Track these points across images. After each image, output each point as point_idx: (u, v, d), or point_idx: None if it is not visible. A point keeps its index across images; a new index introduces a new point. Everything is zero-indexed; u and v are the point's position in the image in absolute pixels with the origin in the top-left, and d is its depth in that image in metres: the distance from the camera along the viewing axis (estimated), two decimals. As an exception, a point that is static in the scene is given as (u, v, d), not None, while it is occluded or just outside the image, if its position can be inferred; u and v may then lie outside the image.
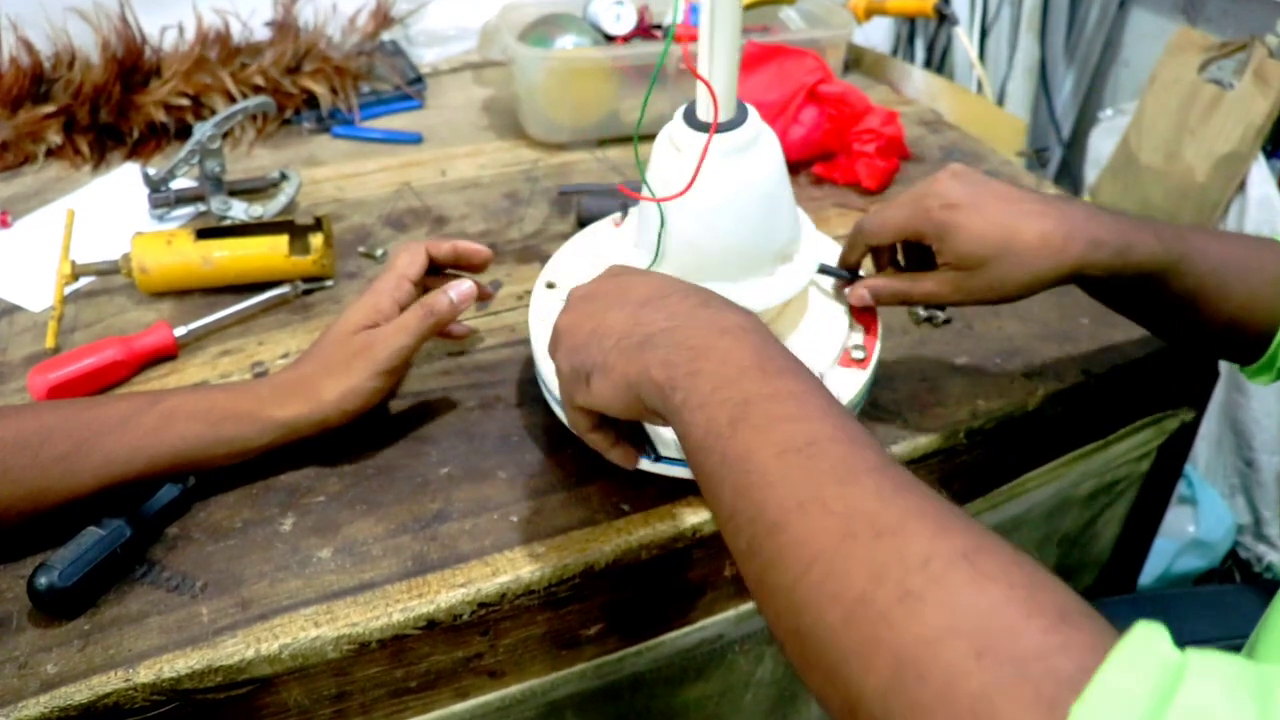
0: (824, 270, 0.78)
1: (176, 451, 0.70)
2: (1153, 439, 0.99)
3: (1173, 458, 1.05)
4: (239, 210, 1.03)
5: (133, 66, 1.21)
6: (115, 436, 0.68)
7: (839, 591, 0.39)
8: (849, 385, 0.74)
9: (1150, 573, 1.58)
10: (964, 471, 0.84)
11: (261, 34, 1.31)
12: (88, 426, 0.68)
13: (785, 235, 0.72)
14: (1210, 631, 0.90)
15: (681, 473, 0.71)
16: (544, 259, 0.99)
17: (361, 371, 0.73)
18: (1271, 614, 0.63)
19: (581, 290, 0.61)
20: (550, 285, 0.82)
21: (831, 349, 0.76)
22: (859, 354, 0.76)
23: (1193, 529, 1.64)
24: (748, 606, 0.80)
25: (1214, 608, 1.01)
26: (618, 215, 0.88)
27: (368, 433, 0.78)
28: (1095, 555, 1.12)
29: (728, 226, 0.69)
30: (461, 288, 0.78)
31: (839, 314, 0.79)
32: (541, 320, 0.77)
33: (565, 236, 1.03)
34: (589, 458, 0.76)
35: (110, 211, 1.08)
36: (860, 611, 0.38)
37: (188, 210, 1.06)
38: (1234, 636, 0.87)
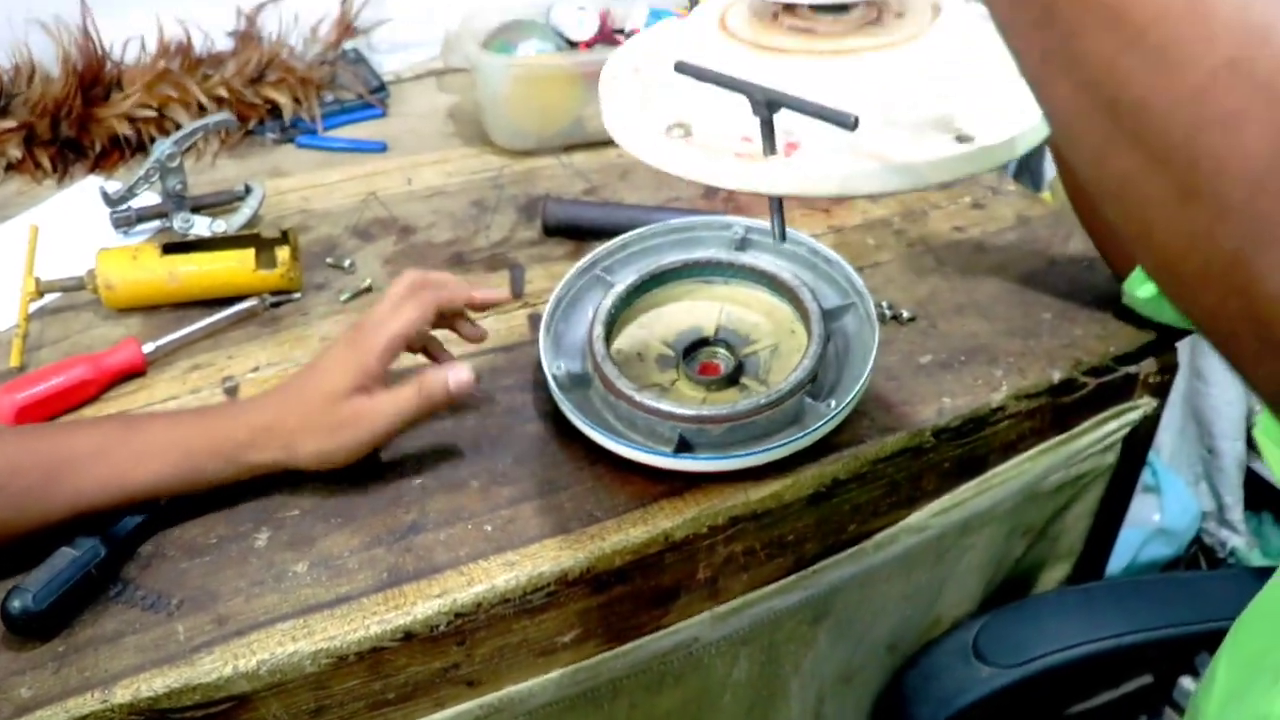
0: None
1: (148, 487, 0.70)
2: (1117, 430, 1.00)
3: (1137, 448, 1.06)
4: (202, 226, 1.03)
5: (94, 79, 1.20)
6: (87, 470, 0.68)
7: (1192, 57, 0.32)
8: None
9: (1117, 562, 1.60)
10: (932, 469, 0.85)
11: (224, 44, 1.30)
12: (58, 459, 0.68)
13: None
14: (1183, 615, 0.92)
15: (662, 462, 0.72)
16: (511, 266, 1.00)
17: (343, 440, 0.72)
18: (1260, 600, 0.64)
19: None
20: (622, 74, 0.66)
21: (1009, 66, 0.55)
22: None
23: (1158, 517, 1.67)
24: (723, 608, 0.81)
25: (1186, 592, 1.03)
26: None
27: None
28: (1067, 548, 1.13)
29: None
30: (461, 377, 0.74)
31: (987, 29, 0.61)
32: (608, 99, 0.64)
33: (532, 243, 1.03)
34: (559, 466, 0.77)
35: (74, 226, 1.08)
36: (1227, 79, 0.32)
37: (151, 225, 1.06)
38: (1205, 620, 0.90)
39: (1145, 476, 1.73)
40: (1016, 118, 0.55)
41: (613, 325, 0.81)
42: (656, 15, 1.23)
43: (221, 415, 0.74)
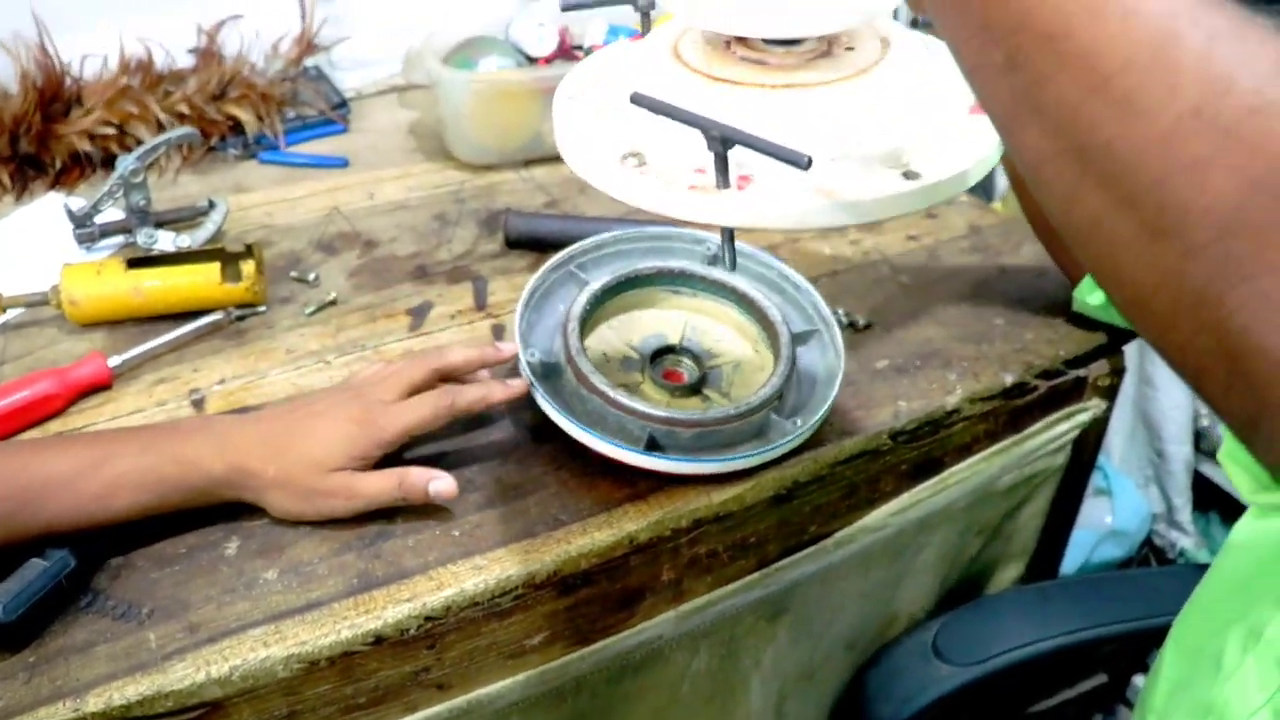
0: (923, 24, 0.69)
1: (120, 516, 0.70)
2: (1067, 432, 1.03)
3: (1087, 450, 1.09)
4: (166, 241, 1.04)
5: (53, 96, 1.20)
6: (57, 498, 0.68)
7: (1158, 105, 0.34)
8: (984, 137, 0.59)
9: (1071, 564, 1.63)
10: (890, 471, 0.87)
11: (185, 61, 1.31)
12: (29, 485, 0.68)
13: None
14: (1135, 611, 0.94)
15: (627, 458, 0.74)
16: (474, 278, 1.01)
17: (316, 508, 0.73)
18: (1200, 593, 0.67)
19: None
20: (572, 98, 0.67)
21: (958, 100, 0.62)
22: None
23: (1110, 519, 1.70)
24: (686, 606, 0.82)
25: (1138, 589, 1.06)
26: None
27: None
28: (1020, 547, 1.16)
29: None
30: (441, 488, 0.73)
31: (935, 63, 0.64)
32: (562, 124, 0.64)
33: (494, 256, 1.05)
34: (525, 471, 0.78)
35: (36, 242, 1.08)
36: (1192, 126, 0.33)
37: (115, 241, 1.06)
38: (1155, 615, 0.92)
39: (1097, 480, 1.77)
40: (964, 152, 0.57)
41: (587, 321, 0.83)
42: (615, 32, 1.25)
43: (200, 446, 0.72)
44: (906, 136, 0.58)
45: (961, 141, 0.59)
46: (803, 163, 0.50)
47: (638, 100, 0.55)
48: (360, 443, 0.73)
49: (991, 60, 0.39)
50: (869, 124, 0.58)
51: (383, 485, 0.73)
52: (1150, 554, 1.85)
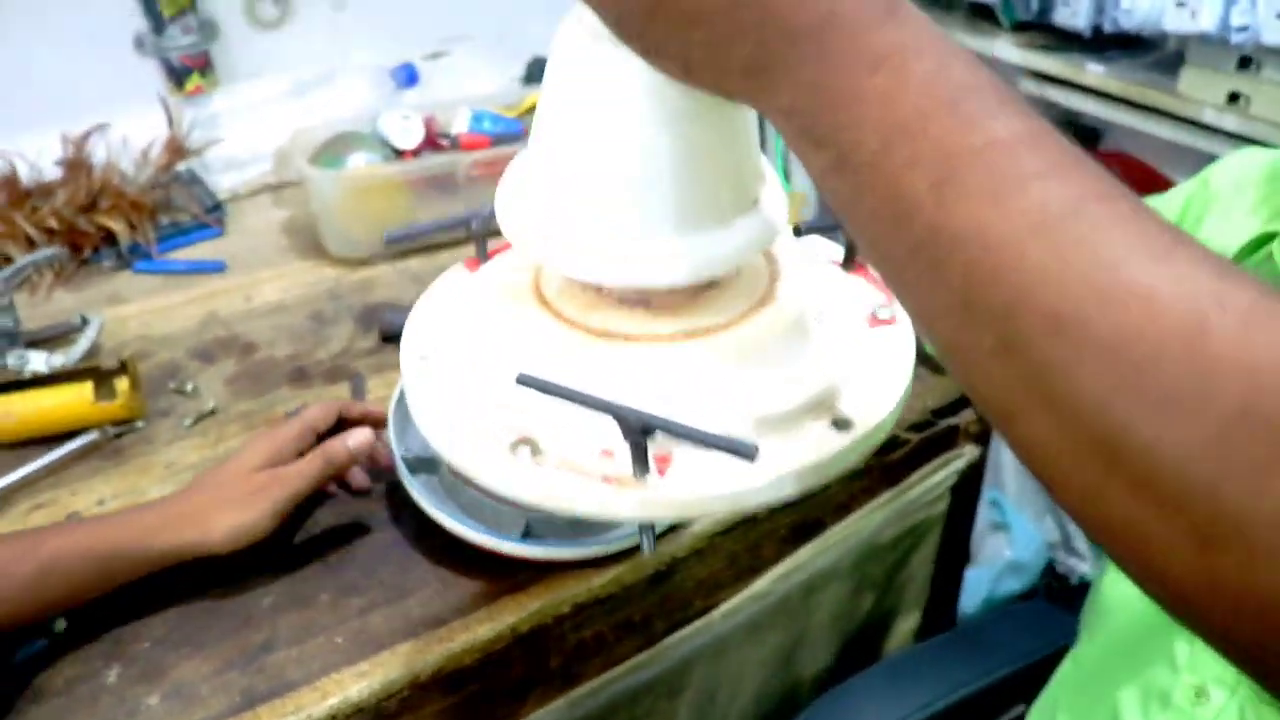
0: (808, 230, 0.60)
1: (58, 600, 0.71)
2: (944, 480, 1.07)
3: (967, 494, 1.13)
4: (38, 362, 1.03)
5: (-83, 220, 1.19)
6: None
7: (1201, 405, 0.29)
8: (894, 352, 0.53)
9: (972, 601, 1.67)
10: (769, 537, 0.90)
11: (52, 173, 1.30)
12: None
13: (750, 164, 0.49)
14: (1031, 644, 0.97)
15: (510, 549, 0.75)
16: (351, 376, 1.02)
17: (256, 509, 0.75)
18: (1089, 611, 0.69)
19: None
20: (424, 357, 0.54)
21: (857, 313, 0.56)
22: (885, 312, 0.55)
23: (1009, 553, 1.75)
24: (579, 691, 0.83)
25: (1029, 622, 1.09)
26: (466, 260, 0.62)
27: (191, 572, 0.78)
28: (914, 596, 1.19)
29: (677, 136, 0.44)
30: (360, 435, 0.80)
31: (824, 273, 0.59)
32: (421, 397, 0.51)
33: (371, 352, 1.06)
34: (407, 571, 0.79)
35: (-96, 372, 1.07)
36: (1242, 427, 0.28)
37: (-14, 364, 1.05)
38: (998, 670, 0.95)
39: (993, 515, 1.82)
40: (888, 378, 0.51)
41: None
42: (479, 118, 1.28)
43: (129, 511, 0.76)
44: (825, 374, 0.49)
45: (878, 363, 0.51)
46: (750, 453, 0.42)
47: (526, 382, 0.45)
48: (266, 445, 0.79)
49: (979, 343, 0.33)
50: (785, 368, 0.49)
51: (307, 461, 0.78)
52: (1053, 582, 1.90)
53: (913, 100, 0.34)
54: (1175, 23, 1.33)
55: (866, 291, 0.57)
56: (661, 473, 0.45)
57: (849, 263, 0.59)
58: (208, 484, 0.77)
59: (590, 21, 0.42)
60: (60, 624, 0.74)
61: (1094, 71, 1.50)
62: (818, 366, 0.50)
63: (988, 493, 1.83)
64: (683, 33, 0.37)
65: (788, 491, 0.46)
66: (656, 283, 0.46)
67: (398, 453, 0.80)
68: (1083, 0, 1.47)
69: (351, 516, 0.84)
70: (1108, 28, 1.48)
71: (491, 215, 0.51)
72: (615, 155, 0.44)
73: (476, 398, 0.50)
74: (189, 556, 0.74)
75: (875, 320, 0.55)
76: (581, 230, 0.46)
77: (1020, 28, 1.61)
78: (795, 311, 0.51)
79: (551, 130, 0.47)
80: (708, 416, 0.45)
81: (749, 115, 0.47)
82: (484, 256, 0.58)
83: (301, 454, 0.79)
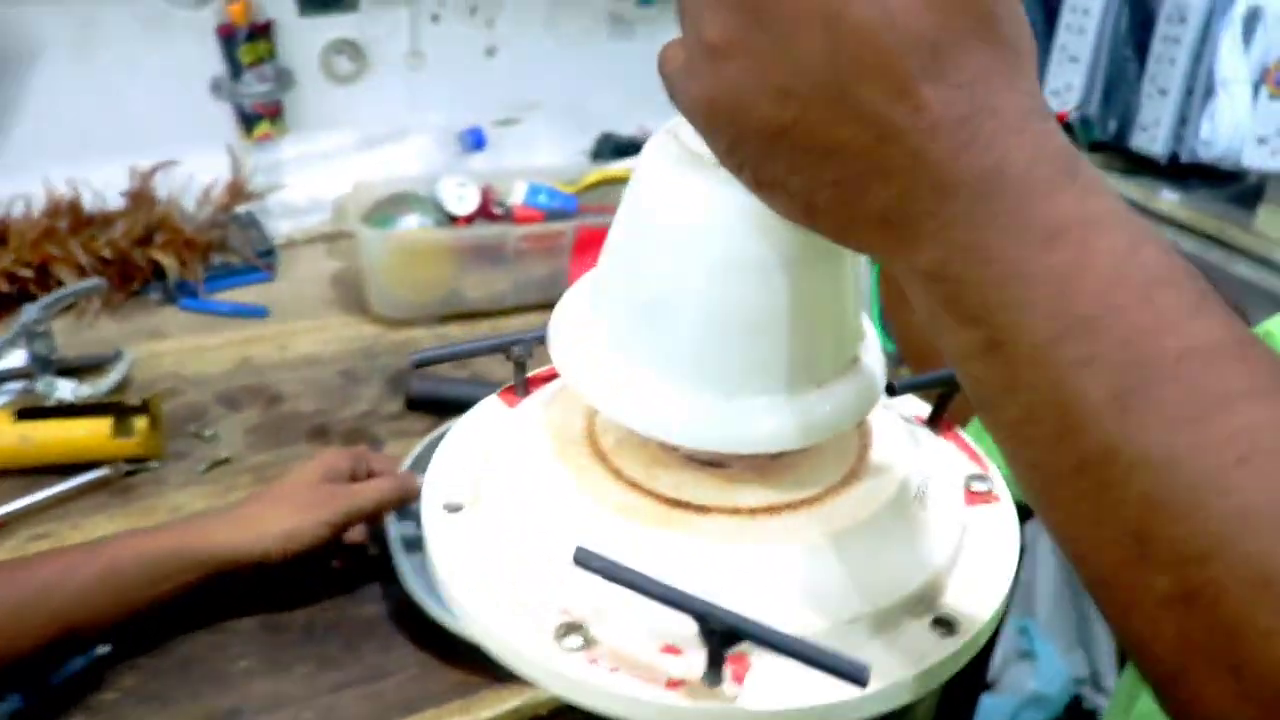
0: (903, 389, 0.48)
1: (117, 605, 0.71)
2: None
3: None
4: (65, 390, 1.04)
5: (-25, 237, 1.21)
6: (63, 590, 0.70)
7: None
8: (996, 536, 0.44)
9: (991, 730, 1.62)
10: None
11: (116, 203, 1.32)
12: (29, 584, 0.69)
13: (853, 318, 0.42)
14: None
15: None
16: (371, 439, 1.01)
17: (313, 516, 0.76)
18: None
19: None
20: (453, 508, 0.44)
21: (953, 486, 0.46)
22: (981, 485, 0.47)
23: (1033, 684, 1.69)
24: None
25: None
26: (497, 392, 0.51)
27: (171, 620, 0.77)
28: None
29: (782, 283, 0.37)
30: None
31: (913, 434, 0.48)
32: (447, 557, 0.42)
33: (394, 417, 1.05)
34: (388, 650, 0.77)
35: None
36: None
37: (15, 387, 1.06)
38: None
39: (1021, 642, 1.76)
40: (992, 569, 0.42)
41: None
42: (535, 190, 1.28)
43: (187, 517, 0.80)
44: (927, 564, 0.41)
45: (979, 549, 0.43)
46: (863, 677, 0.32)
47: (585, 562, 0.36)
48: (325, 461, 0.81)
49: (1150, 585, 0.28)
50: (882, 554, 0.41)
51: (388, 484, 0.80)
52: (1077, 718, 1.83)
53: (1098, 287, 0.28)
54: (1254, 159, 1.29)
55: (957, 459, 0.49)
56: (739, 679, 0.36)
57: (935, 422, 0.50)
58: (265, 495, 0.79)
59: (689, 139, 0.37)
60: (103, 648, 0.74)
61: (1168, 199, 1.47)
62: (918, 554, 0.42)
63: (1016, 620, 1.77)
64: (811, 168, 0.31)
65: (888, 706, 0.37)
66: (742, 450, 0.40)
67: (394, 530, 0.78)
68: (1161, 127, 1.44)
69: (345, 588, 0.82)
70: (1185, 157, 1.44)
71: (537, 339, 0.45)
72: (705, 299, 0.38)
73: (514, 566, 0.40)
74: (244, 560, 0.74)
75: (972, 495, 0.46)
76: (656, 381, 0.39)
77: (1096, 148, 1.57)
78: (893, 486, 0.43)
79: (628, 259, 0.40)
80: (793, 612, 0.38)
81: (859, 263, 0.41)
82: (524, 390, 0.49)
83: (354, 477, 0.82)
